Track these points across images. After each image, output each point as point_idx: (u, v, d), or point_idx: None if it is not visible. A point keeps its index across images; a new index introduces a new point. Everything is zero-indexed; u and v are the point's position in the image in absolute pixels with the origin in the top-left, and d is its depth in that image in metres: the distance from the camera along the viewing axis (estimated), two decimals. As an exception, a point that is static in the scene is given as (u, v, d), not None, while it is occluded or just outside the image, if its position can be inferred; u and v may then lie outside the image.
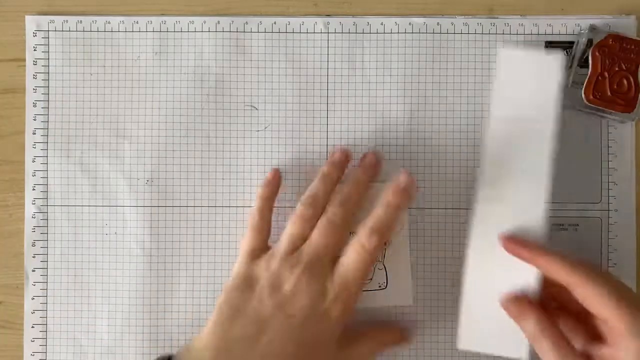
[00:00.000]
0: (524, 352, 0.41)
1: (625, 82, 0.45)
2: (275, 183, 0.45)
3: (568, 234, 0.46)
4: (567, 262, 0.38)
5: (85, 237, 0.47)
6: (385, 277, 0.45)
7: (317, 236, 0.41)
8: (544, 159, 0.42)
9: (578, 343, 0.39)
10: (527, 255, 0.39)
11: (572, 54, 0.46)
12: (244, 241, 0.44)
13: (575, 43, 0.46)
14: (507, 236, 0.40)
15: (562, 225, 0.46)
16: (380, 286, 0.45)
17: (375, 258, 0.41)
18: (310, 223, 0.42)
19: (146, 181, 0.47)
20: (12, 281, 0.47)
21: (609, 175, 0.46)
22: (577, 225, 0.46)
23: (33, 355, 0.46)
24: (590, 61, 0.45)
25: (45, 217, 0.47)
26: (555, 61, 0.43)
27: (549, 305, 0.40)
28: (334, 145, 0.46)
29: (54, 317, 0.47)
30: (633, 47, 0.44)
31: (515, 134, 0.42)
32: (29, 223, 0.47)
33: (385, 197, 0.42)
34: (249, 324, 0.39)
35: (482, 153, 0.43)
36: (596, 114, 0.45)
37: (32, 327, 0.46)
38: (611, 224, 0.46)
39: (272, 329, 0.39)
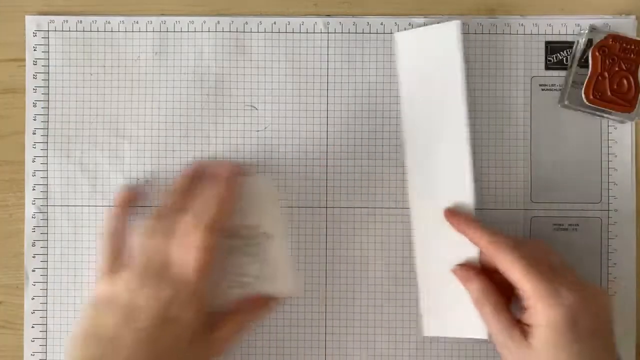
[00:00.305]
0: (484, 332, 0.43)
1: (625, 82, 0.45)
2: (125, 202, 0.45)
3: (568, 234, 0.46)
4: (488, 232, 0.41)
5: (85, 237, 0.47)
6: (263, 269, 0.45)
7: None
8: (462, 137, 0.44)
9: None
10: (457, 226, 0.43)
11: (572, 53, 0.46)
12: (98, 261, 0.44)
13: (575, 43, 0.46)
14: (447, 209, 0.44)
15: (562, 225, 0.46)
16: (258, 279, 0.45)
17: (211, 253, 0.40)
18: (161, 234, 0.42)
19: (146, 181, 0.47)
20: (12, 281, 0.47)
21: (609, 175, 0.46)
22: (577, 225, 0.46)
23: (33, 355, 0.46)
24: (590, 61, 0.45)
25: (45, 217, 0.47)
26: (451, 29, 0.44)
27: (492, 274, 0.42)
28: (333, 145, 0.46)
29: (54, 317, 0.47)
30: (633, 47, 0.44)
31: (429, 120, 0.45)
32: (29, 223, 0.47)
33: (207, 192, 0.42)
34: (102, 342, 0.39)
35: (404, 149, 0.45)
36: (596, 114, 0.45)
37: (32, 327, 0.46)
38: (611, 224, 0.46)
39: (124, 346, 0.38)
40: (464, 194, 0.44)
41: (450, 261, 0.44)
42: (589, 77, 0.45)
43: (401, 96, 0.46)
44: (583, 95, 0.45)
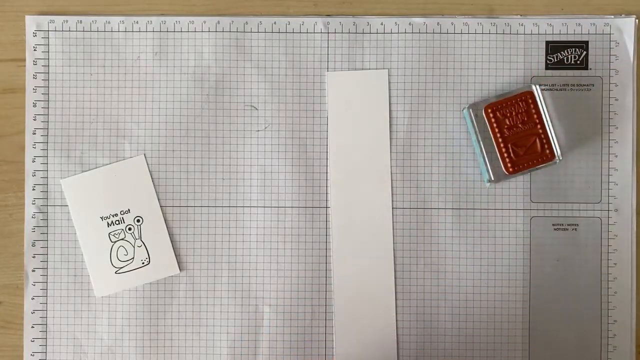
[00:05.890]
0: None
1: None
2: None
3: (568, 234, 0.46)
4: None
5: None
6: (146, 252, 0.46)
7: None
8: (385, 168, 0.46)
9: None
10: None
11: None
12: None
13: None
14: None
15: (562, 225, 0.46)
16: (143, 263, 0.46)
17: None
18: None
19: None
20: (12, 281, 0.47)
21: (609, 175, 0.46)
22: (577, 225, 0.46)
23: (33, 355, 0.46)
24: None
25: (45, 217, 0.47)
26: (381, 76, 0.46)
27: None
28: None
29: (54, 317, 0.47)
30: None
31: (355, 153, 0.46)
32: (29, 223, 0.47)
33: None
34: None
35: (330, 173, 0.46)
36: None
37: (32, 327, 0.46)
38: (611, 224, 0.46)
39: None
40: (385, 221, 0.46)
41: (366, 277, 0.46)
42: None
43: (329, 130, 0.46)
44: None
